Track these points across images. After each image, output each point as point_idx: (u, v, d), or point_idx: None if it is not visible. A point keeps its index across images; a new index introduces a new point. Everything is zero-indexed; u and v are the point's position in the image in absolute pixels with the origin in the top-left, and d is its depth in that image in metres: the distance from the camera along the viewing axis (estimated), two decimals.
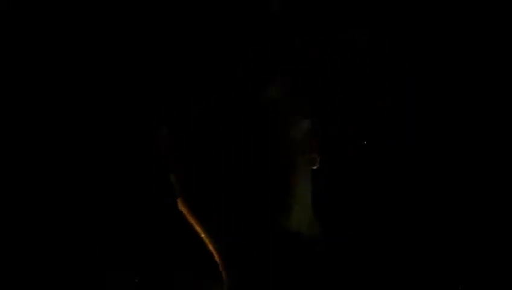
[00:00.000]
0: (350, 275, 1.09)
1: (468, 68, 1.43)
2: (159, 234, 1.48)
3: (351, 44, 1.26)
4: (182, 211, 1.06)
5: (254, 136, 1.02)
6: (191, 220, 1.05)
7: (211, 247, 1.04)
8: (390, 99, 1.38)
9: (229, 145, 1.01)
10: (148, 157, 1.40)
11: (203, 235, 1.05)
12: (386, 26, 1.37)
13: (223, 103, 1.03)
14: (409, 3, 1.41)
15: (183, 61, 1.07)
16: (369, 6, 1.35)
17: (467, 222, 1.41)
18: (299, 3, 1.15)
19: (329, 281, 1.04)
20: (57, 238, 1.49)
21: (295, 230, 1.02)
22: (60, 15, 1.44)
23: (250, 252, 1.02)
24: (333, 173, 1.32)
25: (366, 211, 1.40)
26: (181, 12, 1.11)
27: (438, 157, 1.43)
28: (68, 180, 1.49)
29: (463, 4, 1.42)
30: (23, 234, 1.50)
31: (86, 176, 1.49)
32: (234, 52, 1.05)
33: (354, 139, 1.33)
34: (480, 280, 1.36)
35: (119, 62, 1.40)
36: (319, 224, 1.07)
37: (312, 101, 1.11)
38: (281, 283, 1.01)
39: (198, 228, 1.05)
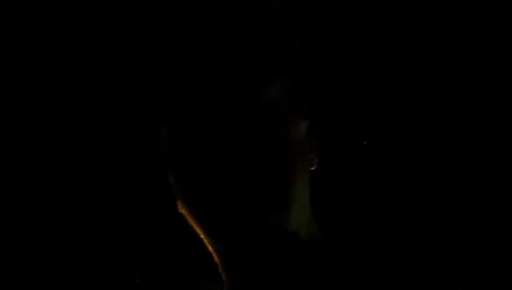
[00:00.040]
0: (349, 275, 1.09)
1: (468, 68, 1.43)
2: (159, 234, 1.48)
3: (351, 44, 1.26)
4: (181, 212, 1.06)
5: (254, 136, 1.01)
6: (191, 221, 1.05)
7: (210, 248, 1.04)
8: (390, 99, 1.38)
9: (229, 146, 1.01)
10: (148, 157, 1.40)
11: (202, 236, 1.05)
12: (386, 26, 1.37)
13: (223, 103, 1.02)
14: (409, 3, 1.41)
15: (183, 61, 1.07)
16: (369, 6, 1.35)
17: (467, 222, 1.41)
18: (299, 3, 1.15)
19: (328, 281, 1.04)
20: (57, 238, 1.49)
21: (294, 230, 1.02)
22: (60, 15, 1.44)
23: (249, 253, 1.02)
24: (332, 173, 1.32)
25: (365, 211, 1.40)
26: (181, 13, 1.11)
27: (438, 157, 1.43)
28: (68, 181, 1.49)
29: (463, 4, 1.42)
30: (23, 234, 1.50)
31: (85, 176, 1.49)
32: (234, 52, 1.05)
33: (354, 139, 1.33)
34: (480, 280, 1.36)
35: (120, 62, 1.40)
36: (318, 224, 1.07)
37: (312, 101, 1.11)
38: (281, 283, 1.01)
39: (197, 229, 1.05)
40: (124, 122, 1.45)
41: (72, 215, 1.50)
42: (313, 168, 1.07)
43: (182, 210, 1.05)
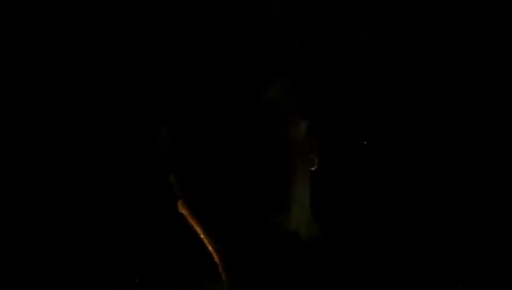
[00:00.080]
0: (349, 275, 1.09)
1: (468, 68, 1.43)
2: (159, 234, 1.48)
3: (351, 44, 1.26)
4: (182, 212, 1.06)
5: (254, 137, 1.01)
6: (191, 221, 1.05)
7: (210, 247, 1.04)
8: (390, 99, 1.38)
9: (229, 146, 1.01)
10: (148, 157, 1.40)
11: (202, 236, 1.05)
12: (386, 26, 1.37)
13: (223, 103, 1.02)
14: (409, 3, 1.41)
15: (183, 61, 1.07)
16: (369, 6, 1.35)
17: (467, 222, 1.41)
18: (299, 3, 1.15)
19: (328, 281, 1.04)
20: (57, 238, 1.49)
21: (294, 230, 1.02)
22: (60, 15, 1.44)
23: (249, 253, 1.02)
24: (332, 173, 1.32)
25: (365, 211, 1.40)
26: (181, 13, 1.11)
27: (438, 157, 1.43)
28: (68, 180, 1.49)
29: (463, 4, 1.42)
30: (23, 234, 1.50)
31: (86, 176, 1.49)
32: (234, 52, 1.05)
33: (354, 139, 1.33)
34: (480, 280, 1.36)
35: (120, 62, 1.40)
36: (318, 224, 1.07)
37: (312, 101, 1.11)
38: (281, 283, 1.01)
39: (198, 229, 1.05)
40: (124, 122, 1.45)
41: (72, 215, 1.50)
42: (313, 169, 1.07)
43: (183, 210, 1.05)
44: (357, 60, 1.28)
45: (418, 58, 1.41)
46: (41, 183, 1.50)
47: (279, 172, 1.02)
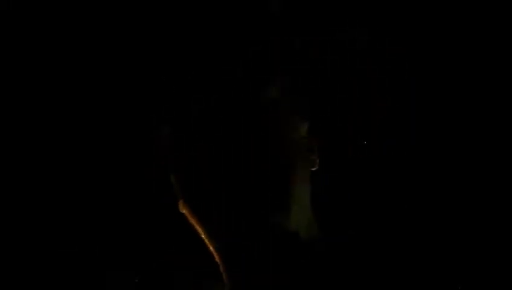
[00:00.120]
0: (349, 275, 1.09)
1: (468, 68, 1.43)
2: (159, 234, 1.48)
3: (351, 44, 1.26)
4: (183, 212, 1.06)
5: (254, 136, 1.01)
6: (192, 221, 1.05)
7: (211, 248, 1.04)
8: (390, 99, 1.38)
9: (229, 146, 1.01)
10: (148, 157, 1.40)
11: (203, 236, 1.05)
12: (386, 26, 1.37)
13: (223, 103, 1.03)
14: (409, 3, 1.41)
15: (183, 61, 1.07)
16: (369, 6, 1.35)
17: (467, 222, 1.41)
18: (299, 3, 1.15)
19: (328, 281, 1.04)
20: (57, 238, 1.49)
21: (294, 230, 1.02)
22: (60, 15, 1.44)
23: (250, 253, 1.02)
24: (332, 174, 1.32)
25: (365, 211, 1.40)
26: (181, 13, 1.11)
27: (438, 157, 1.43)
28: (68, 180, 1.49)
29: (462, 4, 1.42)
30: (23, 234, 1.50)
31: (86, 176, 1.49)
32: (234, 52, 1.05)
33: (354, 139, 1.33)
34: (480, 280, 1.36)
35: (120, 62, 1.40)
36: (318, 224, 1.07)
37: (312, 101, 1.11)
38: (281, 283, 1.01)
39: (199, 229, 1.05)
40: (124, 122, 1.45)
41: (72, 215, 1.50)
42: (314, 169, 1.07)
43: (183, 210, 1.05)
44: (357, 60, 1.28)
45: (418, 58, 1.41)
46: (41, 184, 1.50)
47: (279, 172, 1.02)
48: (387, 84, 1.36)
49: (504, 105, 1.43)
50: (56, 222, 1.50)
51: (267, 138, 1.02)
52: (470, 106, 1.43)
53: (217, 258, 1.04)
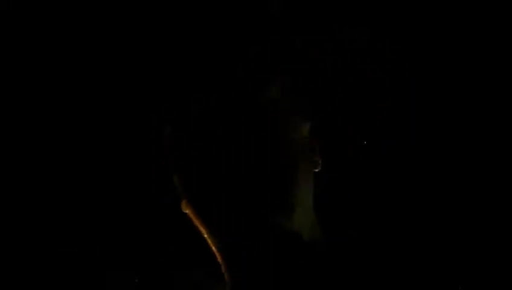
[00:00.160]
0: (350, 275, 1.09)
1: (468, 68, 1.43)
2: (160, 234, 1.48)
3: (351, 44, 1.26)
4: (185, 212, 1.05)
5: (254, 136, 1.01)
6: (195, 221, 1.05)
7: (213, 247, 1.04)
8: (390, 99, 1.38)
9: (229, 146, 1.01)
10: (148, 157, 1.40)
11: (206, 236, 1.04)
12: (386, 26, 1.37)
13: (223, 103, 1.02)
14: (409, 3, 1.41)
15: (183, 61, 1.07)
16: (369, 6, 1.35)
17: (467, 222, 1.41)
18: (299, 3, 1.15)
19: (329, 282, 1.04)
20: (57, 238, 1.49)
21: (297, 232, 1.02)
22: (60, 15, 1.44)
23: (252, 253, 1.01)
24: (333, 174, 1.32)
25: (365, 211, 1.40)
26: (182, 13, 1.11)
27: (438, 157, 1.43)
28: (69, 180, 1.49)
29: (462, 4, 1.42)
30: (23, 234, 1.50)
31: (86, 176, 1.49)
32: (234, 52, 1.05)
33: (354, 139, 1.33)
34: (480, 280, 1.36)
35: (120, 62, 1.40)
36: (321, 226, 1.07)
37: (312, 101, 1.11)
38: (282, 283, 1.01)
39: (202, 229, 1.05)
40: (123, 122, 1.45)
41: (72, 215, 1.50)
42: (316, 170, 1.06)
43: (186, 210, 1.05)
44: (357, 60, 1.28)
45: (418, 58, 1.41)
46: (41, 184, 1.50)
47: (281, 172, 1.02)
48: (387, 84, 1.36)
49: (504, 105, 1.43)
50: (56, 222, 1.50)
51: (267, 138, 1.02)
52: (469, 105, 1.43)
53: (219, 258, 1.04)
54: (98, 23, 1.42)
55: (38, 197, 1.50)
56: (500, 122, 1.43)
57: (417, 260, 1.32)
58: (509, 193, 1.41)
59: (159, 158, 1.07)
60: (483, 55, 1.43)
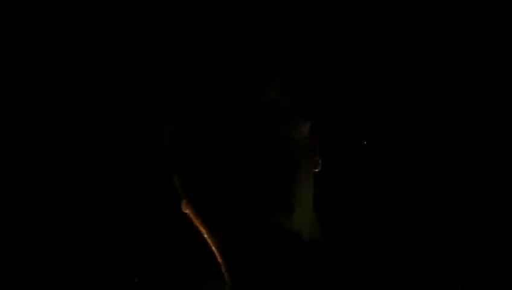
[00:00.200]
0: (350, 275, 1.09)
1: (467, 68, 1.43)
2: (159, 234, 1.48)
3: (351, 44, 1.26)
4: (186, 212, 1.05)
5: (254, 136, 1.01)
6: (196, 221, 1.05)
7: (214, 248, 1.04)
8: (390, 99, 1.38)
9: (230, 146, 1.01)
10: (149, 157, 1.40)
11: (206, 236, 1.04)
12: (386, 26, 1.37)
13: (223, 103, 1.02)
14: (409, 3, 1.41)
15: (183, 61, 1.07)
16: (369, 6, 1.35)
17: (467, 222, 1.41)
18: (299, 3, 1.15)
19: (329, 282, 1.04)
20: (57, 238, 1.49)
21: (297, 232, 1.02)
22: (60, 15, 1.44)
23: (252, 253, 1.01)
24: (332, 174, 1.32)
25: (365, 211, 1.40)
26: (182, 13, 1.11)
27: (438, 157, 1.43)
28: (69, 180, 1.49)
29: (462, 4, 1.42)
30: (23, 234, 1.50)
31: (86, 176, 1.49)
32: (234, 52, 1.05)
33: (354, 140, 1.33)
34: (480, 280, 1.36)
35: (120, 62, 1.40)
36: (321, 226, 1.07)
37: (312, 101, 1.11)
38: (282, 283, 1.01)
39: (202, 229, 1.04)
40: (124, 122, 1.45)
41: (72, 215, 1.50)
42: (316, 170, 1.06)
43: (186, 210, 1.05)
44: (357, 60, 1.28)
45: (418, 58, 1.41)
46: (42, 183, 1.50)
47: (281, 172, 1.01)
48: (387, 84, 1.36)
49: (504, 105, 1.43)
50: (56, 222, 1.50)
51: (267, 138, 1.02)
52: (469, 105, 1.43)
53: (219, 258, 1.04)
54: (98, 23, 1.41)
55: (39, 197, 1.50)
56: (500, 122, 1.43)
57: (417, 260, 1.32)
58: (509, 193, 1.41)
59: (159, 158, 1.07)
60: (483, 55, 1.43)
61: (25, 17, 1.45)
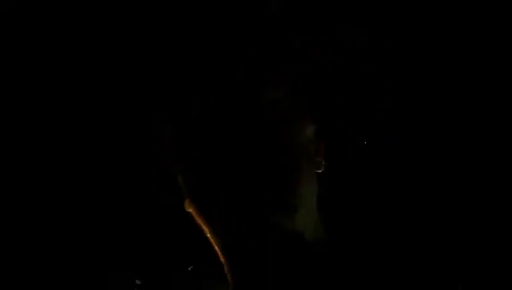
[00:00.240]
0: (351, 275, 1.09)
1: (467, 68, 1.43)
2: (160, 233, 1.48)
3: (351, 44, 1.26)
4: (189, 212, 1.05)
5: (255, 137, 1.01)
6: (199, 221, 1.05)
7: (216, 247, 1.04)
8: (390, 99, 1.38)
9: (229, 146, 1.01)
10: (149, 157, 1.40)
11: (209, 235, 1.04)
12: (386, 26, 1.37)
13: (224, 103, 1.02)
14: (409, 3, 1.41)
15: (183, 61, 1.07)
16: (369, 6, 1.35)
17: (467, 222, 1.41)
18: (299, 3, 1.15)
19: (331, 282, 1.04)
20: (57, 238, 1.49)
21: (300, 232, 1.01)
22: (60, 15, 1.44)
23: (254, 253, 1.01)
24: (335, 174, 1.32)
25: (366, 211, 1.40)
26: (182, 13, 1.11)
27: (438, 157, 1.43)
28: (69, 180, 1.49)
29: (462, 4, 1.42)
30: (23, 234, 1.50)
31: (87, 176, 1.49)
32: (234, 52, 1.05)
33: (354, 140, 1.33)
34: (480, 280, 1.36)
35: (120, 62, 1.40)
36: (324, 227, 1.07)
37: (312, 102, 1.11)
38: (283, 283, 1.01)
39: (205, 229, 1.04)
40: (124, 122, 1.45)
41: (72, 215, 1.50)
42: (320, 171, 1.06)
43: (190, 209, 1.05)
44: (357, 60, 1.28)
45: (418, 58, 1.41)
46: (42, 183, 1.50)
47: (283, 173, 1.01)
48: (387, 84, 1.36)
49: (504, 105, 1.43)
50: (56, 222, 1.50)
51: (267, 138, 1.02)
52: (469, 105, 1.43)
53: (221, 258, 1.04)
54: (98, 23, 1.41)
55: (39, 197, 1.50)
56: (500, 122, 1.43)
57: (418, 260, 1.32)
58: (509, 193, 1.41)
59: (159, 158, 1.07)
60: (483, 55, 1.43)
61: (25, 17, 1.45)
